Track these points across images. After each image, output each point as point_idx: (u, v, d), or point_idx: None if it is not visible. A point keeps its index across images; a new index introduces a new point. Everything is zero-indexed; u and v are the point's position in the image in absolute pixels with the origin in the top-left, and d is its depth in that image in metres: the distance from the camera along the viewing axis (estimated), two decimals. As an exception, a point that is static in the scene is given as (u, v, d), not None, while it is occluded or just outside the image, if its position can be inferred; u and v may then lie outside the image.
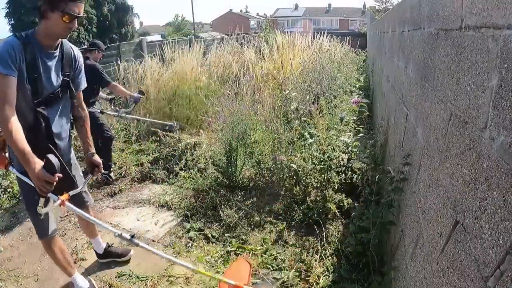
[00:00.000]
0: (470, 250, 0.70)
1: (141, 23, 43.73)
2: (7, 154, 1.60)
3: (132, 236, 1.52)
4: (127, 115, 3.64)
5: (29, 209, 1.65)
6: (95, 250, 2.12)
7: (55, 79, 1.53)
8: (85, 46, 3.28)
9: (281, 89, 4.59)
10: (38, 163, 1.33)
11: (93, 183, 3.19)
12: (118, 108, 3.66)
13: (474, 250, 0.68)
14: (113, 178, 3.26)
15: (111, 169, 3.30)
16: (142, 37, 7.20)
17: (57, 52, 1.52)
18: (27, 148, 1.33)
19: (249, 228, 2.38)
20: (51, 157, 1.33)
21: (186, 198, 2.80)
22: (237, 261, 1.95)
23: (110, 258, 2.12)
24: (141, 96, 3.30)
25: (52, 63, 1.50)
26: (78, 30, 19.08)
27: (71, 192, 1.57)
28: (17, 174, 1.52)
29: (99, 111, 3.16)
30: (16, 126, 1.32)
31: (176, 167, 3.30)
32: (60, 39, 1.51)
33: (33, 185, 1.38)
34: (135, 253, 2.19)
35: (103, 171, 3.06)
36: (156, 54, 5.94)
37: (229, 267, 1.89)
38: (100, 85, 3.18)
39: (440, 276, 0.87)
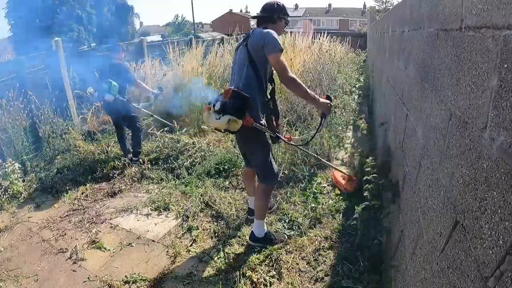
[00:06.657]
0: (470, 250, 0.70)
1: (141, 23, 43.73)
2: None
3: None
4: (145, 109, 3.98)
5: (265, 160, 2.03)
6: (249, 206, 2.39)
7: None
8: (85, 47, 3.68)
9: (281, 89, 4.58)
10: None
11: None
12: (138, 102, 3.99)
13: (474, 250, 0.68)
14: (142, 162, 3.52)
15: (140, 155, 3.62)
16: (142, 37, 7.18)
17: None
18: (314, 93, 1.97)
19: (250, 228, 2.38)
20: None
21: (186, 198, 2.80)
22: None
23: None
24: (161, 92, 3.55)
25: None
26: (78, 30, 19.13)
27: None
28: (260, 128, 1.94)
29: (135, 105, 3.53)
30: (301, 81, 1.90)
31: (175, 167, 3.31)
32: None
33: (270, 136, 2.00)
34: (135, 253, 2.19)
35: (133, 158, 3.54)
36: (156, 54, 5.94)
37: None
38: (127, 82, 3.50)
39: (440, 276, 0.87)
